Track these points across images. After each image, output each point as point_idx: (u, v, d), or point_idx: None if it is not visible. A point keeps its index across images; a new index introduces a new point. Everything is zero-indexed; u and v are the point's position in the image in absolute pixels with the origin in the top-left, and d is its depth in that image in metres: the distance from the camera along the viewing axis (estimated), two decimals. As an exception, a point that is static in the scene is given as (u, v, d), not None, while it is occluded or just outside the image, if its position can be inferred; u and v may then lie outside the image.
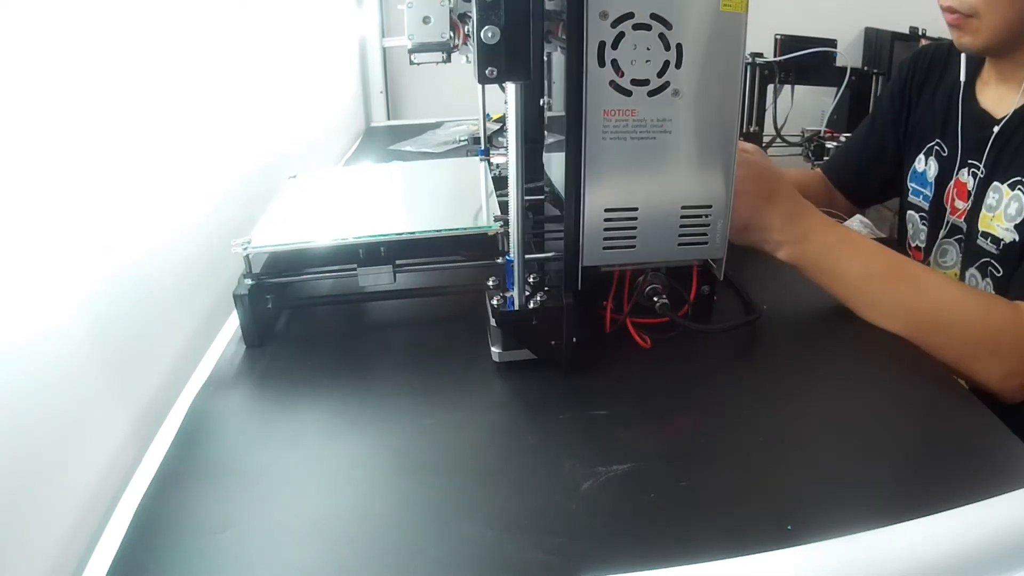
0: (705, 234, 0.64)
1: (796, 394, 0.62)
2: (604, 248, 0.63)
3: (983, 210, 0.83)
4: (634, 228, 0.63)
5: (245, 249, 0.66)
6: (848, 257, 0.70)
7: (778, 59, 1.47)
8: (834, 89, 1.50)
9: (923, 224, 0.96)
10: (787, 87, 1.49)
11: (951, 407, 0.59)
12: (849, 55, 1.60)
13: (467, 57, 0.59)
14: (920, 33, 1.82)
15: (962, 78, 0.89)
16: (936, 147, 0.93)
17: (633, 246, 0.64)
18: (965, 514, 0.45)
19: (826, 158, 1.31)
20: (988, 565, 0.44)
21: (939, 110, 0.93)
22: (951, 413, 0.59)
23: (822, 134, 1.45)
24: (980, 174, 0.84)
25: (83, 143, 0.57)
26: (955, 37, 0.83)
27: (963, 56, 0.88)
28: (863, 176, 1.07)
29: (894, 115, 1.02)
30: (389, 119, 1.81)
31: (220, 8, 0.88)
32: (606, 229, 0.63)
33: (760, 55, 1.49)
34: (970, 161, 0.86)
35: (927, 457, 0.54)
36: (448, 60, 0.64)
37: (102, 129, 0.60)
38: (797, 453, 0.54)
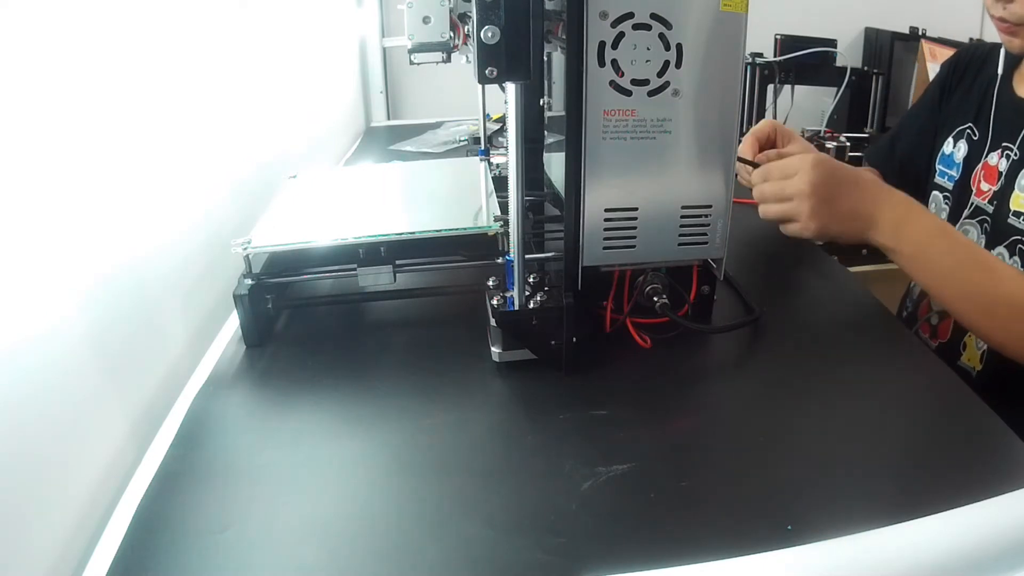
0: (705, 234, 0.64)
1: (796, 394, 0.62)
2: (604, 248, 0.63)
3: (1015, 190, 0.85)
4: (634, 228, 0.63)
5: (245, 249, 0.66)
6: (941, 248, 0.72)
7: (778, 59, 1.48)
8: (834, 89, 1.50)
9: (945, 203, 0.97)
10: (787, 87, 1.50)
11: (951, 407, 0.59)
12: (849, 55, 1.60)
13: (467, 57, 0.59)
14: (920, 33, 1.82)
15: (999, 70, 0.92)
16: (968, 130, 0.95)
17: (633, 246, 0.64)
18: (965, 514, 0.45)
19: (868, 147, 1.28)
20: (988, 565, 0.44)
21: (975, 98, 0.96)
22: (951, 413, 0.59)
23: (822, 134, 1.45)
24: (1014, 156, 0.86)
25: (83, 143, 0.57)
26: (1005, 41, 0.87)
27: (1002, 50, 0.91)
28: (906, 165, 1.08)
29: (933, 105, 1.04)
30: (389, 119, 1.81)
31: (220, 8, 0.88)
32: (606, 229, 0.63)
33: (760, 55, 1.50)
34: (1004, 144, 0.88)
35: (927, 457, 0.54)
36: (448, 60, 0.64)
37: (102, 129, 0.60)
38: (797, 453, 0.54)
